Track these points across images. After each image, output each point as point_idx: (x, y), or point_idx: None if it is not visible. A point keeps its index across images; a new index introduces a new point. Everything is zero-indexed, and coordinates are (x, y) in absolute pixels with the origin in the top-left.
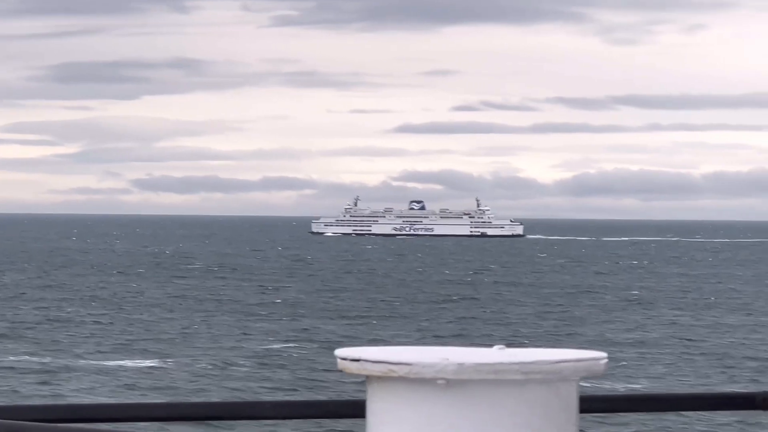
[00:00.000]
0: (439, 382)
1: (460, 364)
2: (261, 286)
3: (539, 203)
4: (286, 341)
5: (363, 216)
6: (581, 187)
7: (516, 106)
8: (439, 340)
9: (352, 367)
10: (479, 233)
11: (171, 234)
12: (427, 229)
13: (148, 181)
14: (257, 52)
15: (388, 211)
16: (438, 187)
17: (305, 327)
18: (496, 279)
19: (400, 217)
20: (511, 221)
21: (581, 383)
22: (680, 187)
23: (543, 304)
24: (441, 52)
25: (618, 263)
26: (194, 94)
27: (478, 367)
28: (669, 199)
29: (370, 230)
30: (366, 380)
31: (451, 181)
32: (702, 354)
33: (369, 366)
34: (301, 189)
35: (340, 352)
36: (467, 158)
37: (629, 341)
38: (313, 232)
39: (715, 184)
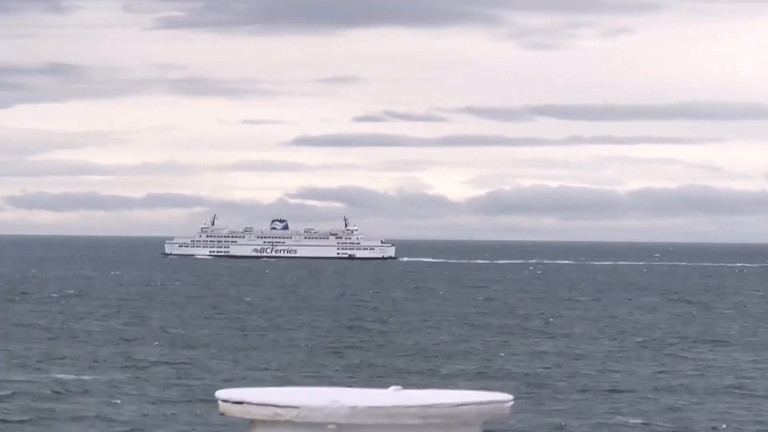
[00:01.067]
0: (330, 427)
1: (353, 408)
2: (89, 312)
3: (450, 222)
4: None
5: (220, 236)
6: (496, 205)
7: (423, 117)
8: (321, 378)
9: (235, 411)
10: (347, 255)
11: (33, 256)
12: (290, 251)
13: (22, 198)
14: (140, 56)
15: (248, 230)
16: (339, 204)
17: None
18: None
19: (261, 237)
20: (382, 242)
21: (484, 428)
22: (604, 205)
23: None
24: (341, 57)
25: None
26: (72, 103)
27: (372, 410)
28: (591, 219)
29: (228, 251)
30: (250, 424)
31: (353, 198)
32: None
33: (253, 409)
34: (189, 207)
35: (221, 393)
36: (371, 173)
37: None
38: (165, 254)
39: (642, 201)
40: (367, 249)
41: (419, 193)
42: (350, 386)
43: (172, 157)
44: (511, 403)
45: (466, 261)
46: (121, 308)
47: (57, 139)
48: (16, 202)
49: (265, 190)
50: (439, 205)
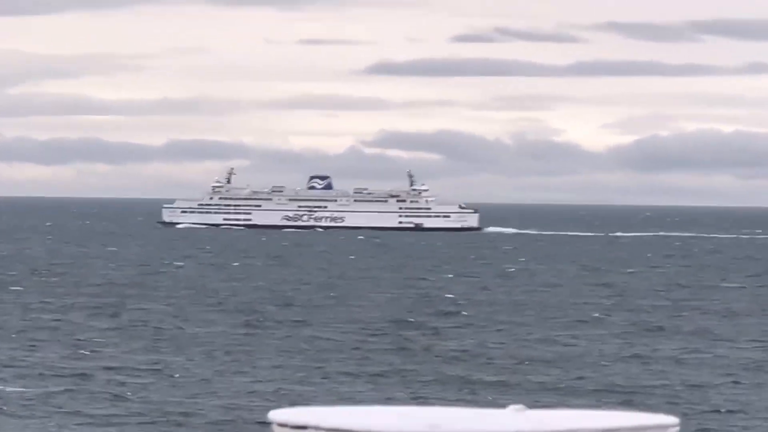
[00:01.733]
0: None
1: None
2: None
3: (586, 182)
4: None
5: (239, 198)
6: (648, 157)
7: (549, 36)
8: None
9: None
10: (412, 224)
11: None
12: (334, 218)
13: None
14: None
15: (277, 190)
16: (433, 156)
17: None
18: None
19: (295, 199)
20: (461, 207)
21: None
22: None
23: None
24: None
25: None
26: (66, 15)
27: None
28: None
29: (249, 219)
30: None
31: (452, 147)
32: None
33: None
34: (227, 158)
35: (276, 415)
36: (477, 113)
37: None
38: (163, 222)
39: None
40: (439, 216)
41: (543, 140)
42: (436, 403)
43: (203, 90)
44: (677, 429)
45: (591, 234)
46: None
47: (45, 65)
48: None
49: (332, 135)
50: (571, 157)
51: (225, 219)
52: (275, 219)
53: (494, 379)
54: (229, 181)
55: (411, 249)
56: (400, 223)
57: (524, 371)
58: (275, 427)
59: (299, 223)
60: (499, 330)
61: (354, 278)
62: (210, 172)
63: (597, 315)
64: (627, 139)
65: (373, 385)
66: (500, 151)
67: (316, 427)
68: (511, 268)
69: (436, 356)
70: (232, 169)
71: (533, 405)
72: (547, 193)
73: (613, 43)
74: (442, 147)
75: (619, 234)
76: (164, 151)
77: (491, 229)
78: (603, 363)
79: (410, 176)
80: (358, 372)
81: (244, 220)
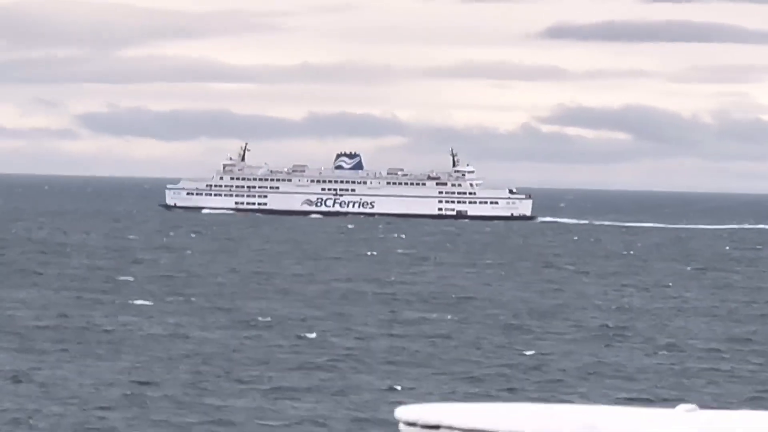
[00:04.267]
0: None
1: None
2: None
3: None
4: None
5: (253, 179)
6: None
7: None
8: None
9: None
10: (454, 211)
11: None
12: (363, 203)
13: (109, 117)
14: None
15: (298, 170)
16: (620, 136)
17: None
18: None
19: (319, 181)
20: (512, 192)
21: None
22: None
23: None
24: None
25: None
26: None
27: None
28: None
29: (264, 203)
30: None
31: (642, 124)
32: None
33: None
34: (379, 135)
35: (403, 412)
36: (671, 86)
37: None
38: (165, 205)
39: None
40: (485, 203)
41: (752, 119)
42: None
43: (349, 55)
44: None
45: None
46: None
47: (165, 22)
48: (98, 123)
49: (502, 110)
50: None
51: (237, 203)
52: (295, 203)
53: None
54: (242, 158)
55: (457, 240)
56: (440, 210)
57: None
58: (402, 426)
59: (322, 208)
60: None
61: None
62: (358, 150)
63: None
64: None
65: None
66: (699, 130)
67: (450, 428)
68: None
69: None
70: (246, 144)
71: (705, 405)
72: (755, 182)
73: None
74: (630, 125)
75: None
76: (304, 126)
77: (547, 219)
78: None
79: (453, 155)
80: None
81: (259, 204)
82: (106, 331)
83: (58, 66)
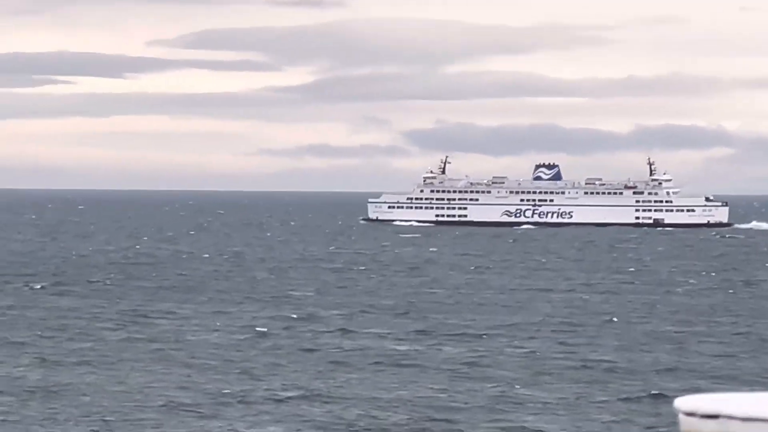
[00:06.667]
0: None
1: None
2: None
3: None
4: None
5: (452, 191)
6: None
7: None
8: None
9: (708, 429)
10: (650, 220)
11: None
12: (561, 213)
13: (435, 134)
14: None
15: (497, 181)
16: None
17: None
18: None
19: (517, 192)
20: (709, 200)
21: None
22: None
23: None
24: None
25: None
26: None
27: None
28: None
29: (465, 215)
30: None
31: None
32: None
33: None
34: (705, 147)
35: (684, 403)
36: None
37: None
38: (369, 219)
39: None
40: (682, 211)
41: None
42: None
43: (675, 67)
44: None
45: None
46: None
47: (489, 39)
48: (426, 139)
49: None
50: None
51: (437, 216)
52: (494, 215)
53: None
54: (443, 171)
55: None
56: (637, 218)
57: None
58: (682, 417)
59: (521, 219)
60: None
61: None
62: (685, 163)
63: None
64: None
65: None
66: None
67: (730, 417)
68: None
69: None
70: (447, 157)
71: None
72: None
73: None
74: None
75: None
76: (630, 138)
77: (744, 225)
78: None
79: (650, 164)
80: None
81: (459, 216)
82: None
83: (385, 83)
